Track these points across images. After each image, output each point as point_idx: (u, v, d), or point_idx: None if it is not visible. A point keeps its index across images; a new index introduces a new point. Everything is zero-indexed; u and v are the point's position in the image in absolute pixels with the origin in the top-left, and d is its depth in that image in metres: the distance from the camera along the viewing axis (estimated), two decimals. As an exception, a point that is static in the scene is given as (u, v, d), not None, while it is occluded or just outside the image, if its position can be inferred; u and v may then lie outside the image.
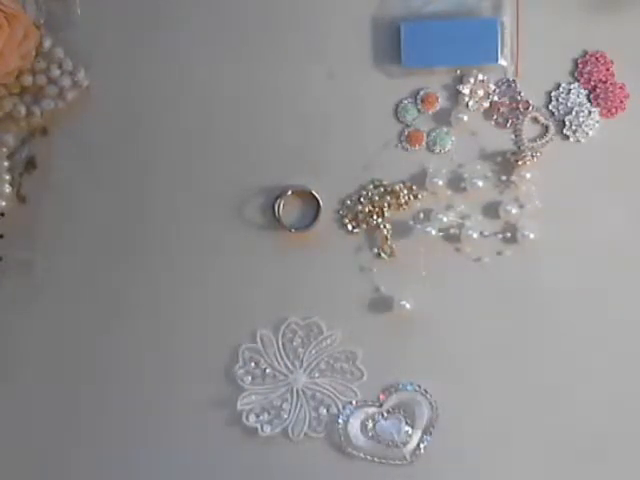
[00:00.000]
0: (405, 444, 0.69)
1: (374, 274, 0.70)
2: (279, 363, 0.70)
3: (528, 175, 0.69)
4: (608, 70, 0.69)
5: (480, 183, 0.69)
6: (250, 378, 0.70)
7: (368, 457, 0.69)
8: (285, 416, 0.69)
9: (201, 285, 0.70)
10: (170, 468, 0.70)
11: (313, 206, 0.69)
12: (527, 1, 0.69)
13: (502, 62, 0.69)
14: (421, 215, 0.69)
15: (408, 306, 0.69)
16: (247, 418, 0.69)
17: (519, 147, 0.69)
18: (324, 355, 0.70)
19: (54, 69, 0.69)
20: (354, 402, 0.69)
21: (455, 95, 0.70)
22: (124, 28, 0.70)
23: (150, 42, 0.70)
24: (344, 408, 0.69)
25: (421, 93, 0.70)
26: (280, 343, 0.70)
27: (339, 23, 0.69)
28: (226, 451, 0.70)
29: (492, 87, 0.69)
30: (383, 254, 0.69)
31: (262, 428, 0.69)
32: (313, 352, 0.70)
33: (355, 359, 0.70)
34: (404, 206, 0.69)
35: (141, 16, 0.70)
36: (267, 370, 0.70)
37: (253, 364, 0.70)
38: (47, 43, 0.69)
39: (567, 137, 0.69)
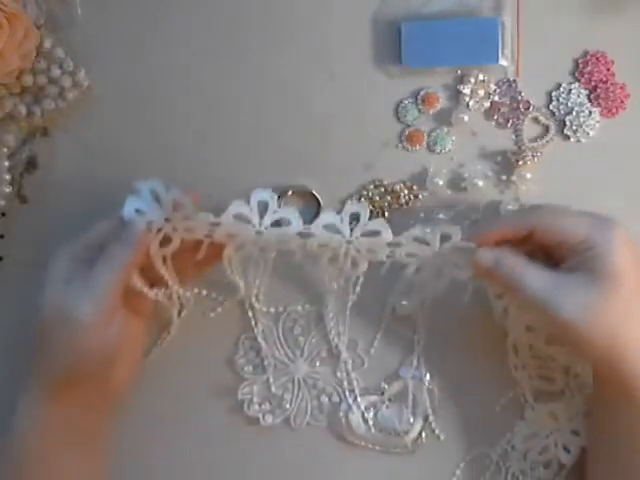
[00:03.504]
0: (407, 433, 0.69)
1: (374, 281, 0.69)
2: (279, 352, 0.70)
3: (528, 175, 0.68)
4: (609, 70, 0.69)
5: (480, 183, 0.69)
6: (251, 367, 0.70)
7: (369, 446, 0.69)
8: (287, 406, 0.69)
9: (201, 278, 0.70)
10: (171, 457, 0.70)
11: (314, 206, 0.69)
12: (527, 1, 0.69)
13: (503, 62, 0.69)
14: (421, 215, 0.69)
15: (409, 304, 0.69)
16: (248, 407, 0.69)
17: (520, 147, 0.69)
18: (324, 344, 0.70)
19: (55, 69, 0.69)
20: (356, 390, 0.69)
21: (456, 95, 0.70)
22: (124, 28, 0.70)
23: (150, 42, 0.70)
24: (346, 397, 0.69)
25: (422, 93, 0.70)
26: (280, 332, 0.70)
27: (339, 23, 0.69)
28: (227, 441, 0.70)
29: (493, 87, 0.69)
30: (384, 254, 0.69)
31: (264, 418, 0.69)
32: (313, 341, 0.70)
33: (356, 347, 0.70)
34: (404, 206, 0.69)
35: (141, 16, 0.70)
36: (267, 359, 0.69)
37: (253, 353, 0.70)
38: (47, 43, 0.69)
39: (568, 137, 0.69)
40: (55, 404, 0.63)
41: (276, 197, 0.62)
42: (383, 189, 0.69)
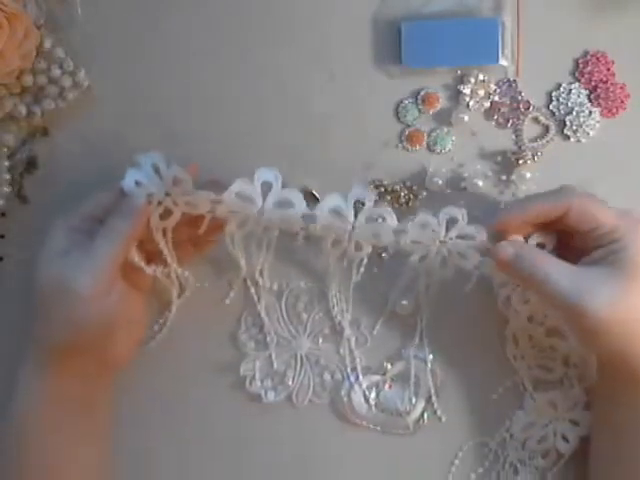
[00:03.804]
0: (409, 413, 0.69)
1: (375, 273, 0.70)
2: (282, 328, 0.69)
3: (528, 175, 0.69)
4: (609, 70, 0.69)
5: (480, 183, 0.69)
6: (253, 343, 0.69)
7: (371, 426, 0.69)
8: (289, 382, 0.69)
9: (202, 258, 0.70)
10: (172, 433, 0.70)
11: (314, 206, 0.69)
12: (527, 1, 0.69)
13: (503, 62, 0.69)
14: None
15: (408, 304, 0.69)
16: (251, 384, 0.69)
17: (520, 147, 0.69)
18: (328, 320, 0.70)
19: (55, 69, 0.69)
20: (358, 369, 0.69)
21: (456, 95, 0.70)
22: (124, 28, 0.70)
23: (150, 42, 0.70)
24: (348, 375, 0.69)
25: (422, 93, 0.70)
26: (283, 308, 0.70)
27: (339, 23, 0.69)
28: (229, 417, 0.70)
29: (493, 87, 0.69)
30: (384, 253, 0.69)
31: (266, 394, 0.69)
32: (317, 317, 0.70)
33: (359, 325, 0.70)
34: (404, 206, 0.69)
35: (141, 16, 0.70)
36: (270, 335, 0.69)
37: (256, 329, 0.70)
38: (47, 43, 0.69)
39: (568, 137, 0.69)
40: (53, 375, 0.63)
41: (280, 177, 0.62)
42: (383, 189, 0.69)
